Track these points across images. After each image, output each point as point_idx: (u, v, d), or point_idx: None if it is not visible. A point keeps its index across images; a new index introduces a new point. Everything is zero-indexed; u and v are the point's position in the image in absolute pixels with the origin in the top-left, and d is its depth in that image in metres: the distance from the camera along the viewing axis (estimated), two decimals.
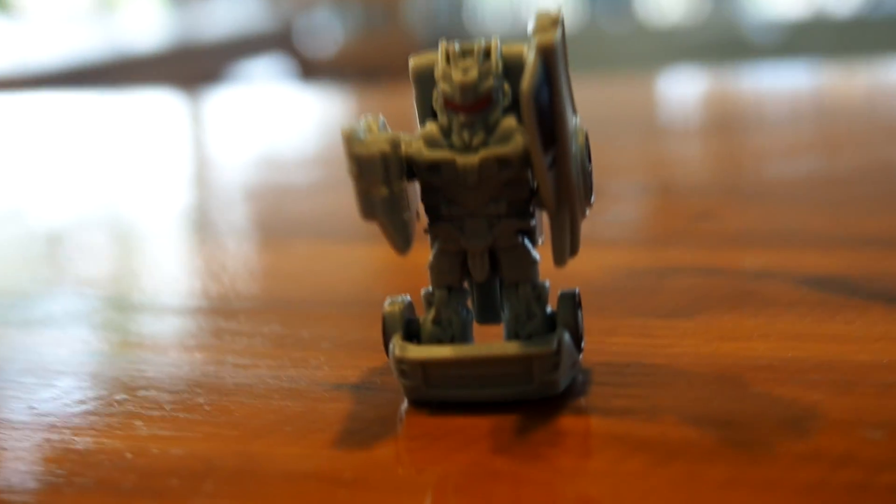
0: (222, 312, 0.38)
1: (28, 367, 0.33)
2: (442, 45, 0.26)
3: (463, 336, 0.27)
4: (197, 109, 1.08)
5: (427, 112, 0.27)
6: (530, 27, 0.24)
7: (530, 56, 0.24)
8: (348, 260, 0.45)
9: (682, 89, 0.94)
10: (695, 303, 0.34)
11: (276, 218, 0.55)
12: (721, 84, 0.93)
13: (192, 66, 2.25)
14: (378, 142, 0.25)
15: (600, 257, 0.39)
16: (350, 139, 0.25)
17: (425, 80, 0.26)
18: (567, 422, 0.25)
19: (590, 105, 0.46)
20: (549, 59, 0.24)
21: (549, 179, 0.24)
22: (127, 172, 0.72)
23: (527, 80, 0.23)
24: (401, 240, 0.26)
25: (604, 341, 0.30)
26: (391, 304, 0.27)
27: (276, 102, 1.03)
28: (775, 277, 0.36)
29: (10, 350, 0.36)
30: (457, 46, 0.26)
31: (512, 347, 0.26)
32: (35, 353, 0.35)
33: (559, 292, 0.27)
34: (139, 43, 2.29)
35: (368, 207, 0.25)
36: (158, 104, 1.03)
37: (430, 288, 0.27)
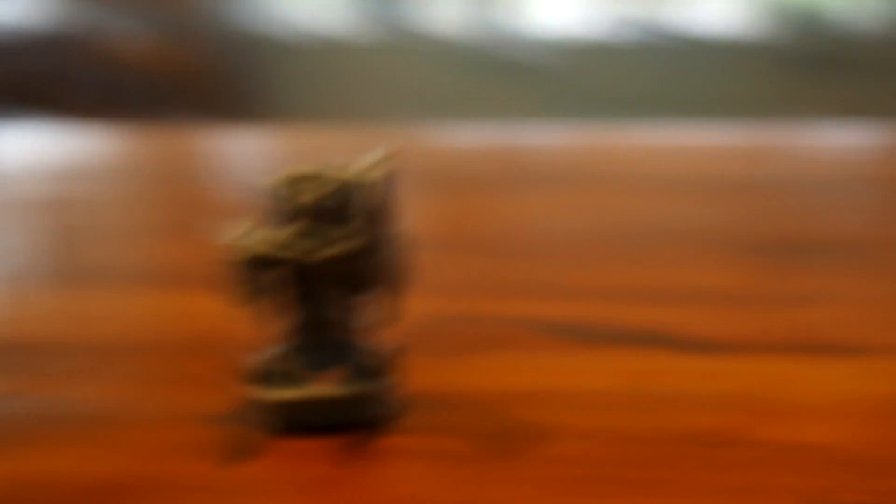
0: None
1: None
2: (287, 173, 0.33)
3: (308, 382, 0.33)
4: None
5: (278, 218, 0.33)
6: (365, 163, 0.32)
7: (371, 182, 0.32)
8: (167, 306, 0.48)
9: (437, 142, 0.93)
10: (469, 346, 0.41)
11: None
12: (487, 138, 0.94)
13: None
14: (256, 243, 0.33)
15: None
16: (233, 241, 0.33)
17: (278, 193, 0.33)
18: (389, 442, 0.32)
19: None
20: (388, 182, 0.32)
21: (381, 269, 0.33)
22: None
23: (364, 200, 0.32)
24: (264, 319, 0.34)
25: (415, 376, 0.37)
26: (256, 358, 0.34)
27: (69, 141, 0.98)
28: (524, 324, 0.43)
29: None
30: (299, 173, 0.33)
31: (345, 390, 0.33)
32: None
33: (380, 348, 0.34)
34: None
35: (246, 297, 0.33)
36: None
37: (284, 347, 0.34)
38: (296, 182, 0.33)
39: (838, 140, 0.86)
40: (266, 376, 0.34)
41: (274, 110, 2.74)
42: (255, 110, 2.73)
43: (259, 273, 0.32)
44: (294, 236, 0.33)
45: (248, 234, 0.33)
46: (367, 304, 0.34)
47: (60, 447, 0.33)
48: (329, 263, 0.33)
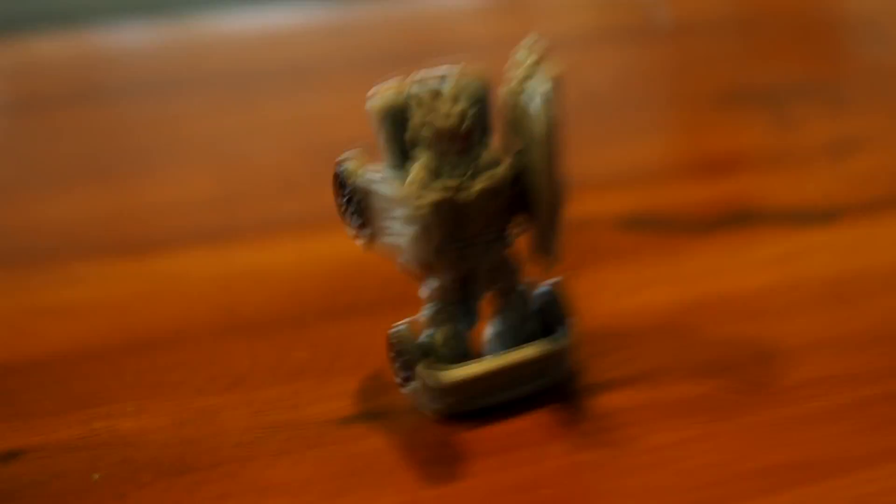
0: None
1: None
2: (412, 84, 0.24)
3: (466, 348, 0.26)
4: None
5: (398, 152, 0.24)
6: (521, 56, 0.24)
7: (540, 87, 0.23)
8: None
9: None
10: (576, 262, 0.31)
11: None
12: None
13: None
14: (424, 192, 0.23)
15: None
16: (410, 195, 0.23)
17: (394, 119, 0.24)
18: (595, 404, 0.26)
19: None
20: (557, 90, 0.23)
21: (549, 190, 0.24)
22: None
23: (546, 114, 0.23)
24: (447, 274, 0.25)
25: None
26: (398, 335, 0.26)
27: None
28: (598, 224, 0.36)
29: None
30: (429, 81, 0.24)
31: (529, 351, 0.26)
32: None
33: (539, 290, 0.27)
34: None
35: (428, 251, 0.24)
36: None
37: (430, 311, 0.26)
38: (428, 93, 0.24)
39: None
40: (423, 351, 0.26)
41: None
42: None
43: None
44: (427, 171, 0.24)
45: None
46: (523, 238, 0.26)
47: None
48: (485, 197, 0.24)
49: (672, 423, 0.24)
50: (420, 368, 0.25)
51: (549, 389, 0.26)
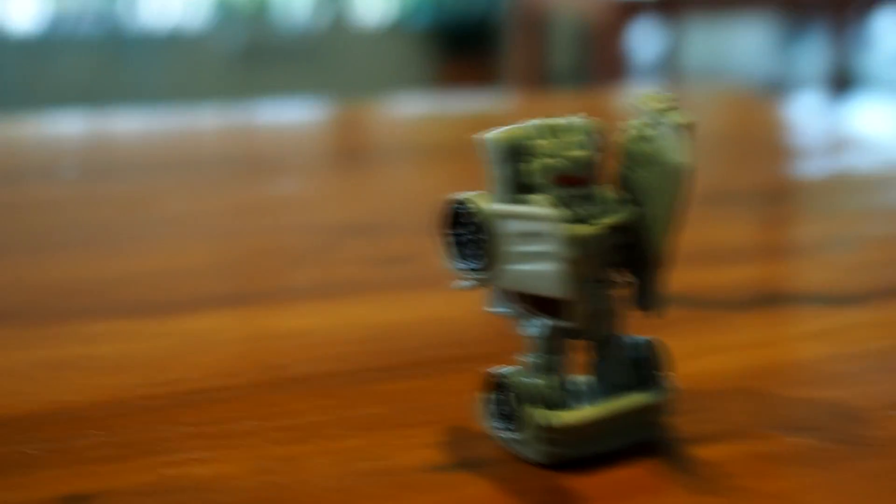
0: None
1: None
2: (537, 122, 0.24)
3: (566, 397, 0.25)
4: None
5: (514, 187, 0.24)
6: (649, 107, 0.23)
7: (674, 134, 0.23)
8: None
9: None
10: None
11: None
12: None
13: None
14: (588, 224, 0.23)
15: None
16: (564, 224, 0.22)
17: (513, 155, 0.24)
18: (700, 454, 0.25)
19: None
20: (691, 135, 0.23)
21: (665, 239, 0.24)
22: None
23: (684, 157, 0.23)
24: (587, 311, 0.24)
25: None
26: (513, 375, 0.24)
27: None
28: None
29: None
30: (556, 122, 0.24)
31: (643, 399, 0.25)
32: None
33: (635, 340, 0.26)
34: None
35: (577, 287, 0.23)
36: None
37: (542, 354, 0.24)
38: (546, 136, 0.23)
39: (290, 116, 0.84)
40: (537, 397, 0.24)
41: None
42: None
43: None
44: (563, 205, 0.23)
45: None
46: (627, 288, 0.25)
47: None
48: (600, 240, 0.24)
49: (781, 472, 0.24)
50: (533, 412, 0.24)
51: (647, 441, 0.25)
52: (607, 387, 0.25)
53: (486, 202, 0.23)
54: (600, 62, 1.73)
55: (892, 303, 0.35)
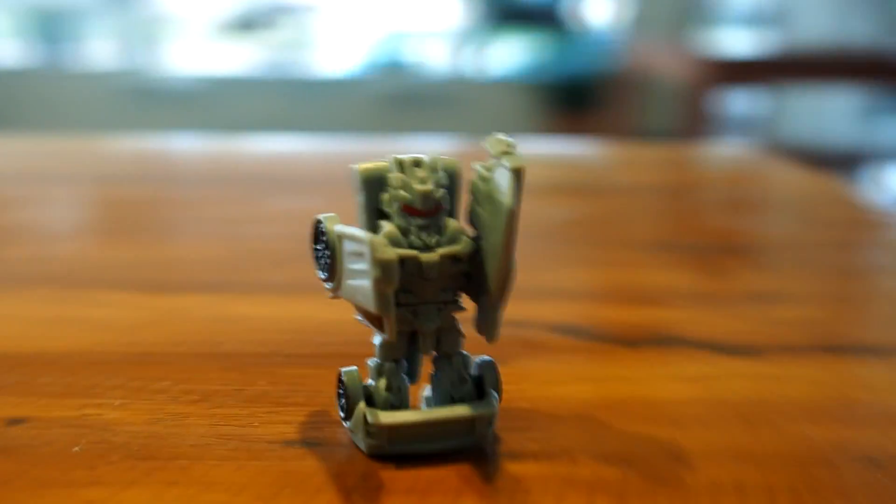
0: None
1: None
2: (392, 157, 0.24)
3: (405, 400, 0.25)
4: None
5: (373, 213, 0.24)
6: (491, 149, 0.23)
7: (506, 176, 0.22)
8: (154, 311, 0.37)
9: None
10: (512, 352, 0.31)
11: None
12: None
13: None
14: (388, 247, 0.22)
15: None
16: (376, 247, 0.21)
17: (373, 185, 0.24)
18: (512, 468, 0.24)
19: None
20: (521, 179, 0.22)
21: (503, 273, 0.23)
22: None
23: (510, 198, 0.22)
24: (394, 329, 0.23)
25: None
26: (349, 374, 0.24)
27: None
28: (536, 327, 0.34)
29: None
30: (408, 158, 0.23)
31: (464, 410, 0.24)
32: None
33: (478, 360, 0.25)
34: None
35: (385, 304, 0.22)
36: None
37: (378, 360, 0.25)
38: (405, 171, 0.23)
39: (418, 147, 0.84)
40: (371, 395, 0.24)
41: None
42: None
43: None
44: (397, 234, 0.23)
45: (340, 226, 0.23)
46: (472, 311, 0.25)
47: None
48: (444, 263, 0.23)
49: (576, 497, 0.23)
50: (358, 408, 0.24)
51: (471, 449, 0.24)
52: (443, 397, 0.25)
53: (333, 223, 0.24)
54: (692, 120, 1.69)
55: (786, 359, 0.32)
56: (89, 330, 0.33)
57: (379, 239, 0.22)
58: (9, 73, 2.59)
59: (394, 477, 0.23)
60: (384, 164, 0.24)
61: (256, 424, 0.26)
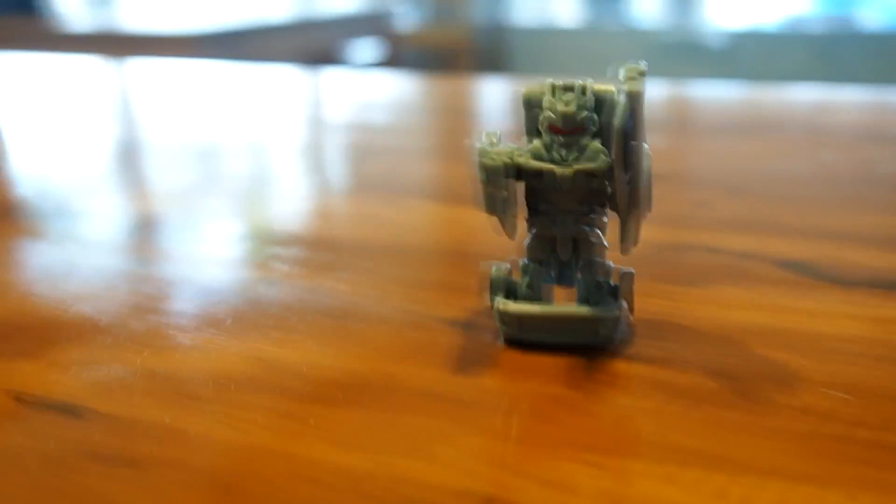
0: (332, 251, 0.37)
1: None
2: (549, 81, 0.25)
3: (547, 297, 0.27)
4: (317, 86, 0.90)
5: (533, 129, 0.26)
6: (621, 75, 0.24)
7: (622, 99, 0.23)
8: (437, 217, 0.42)
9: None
10: (703, 276, 0.32)
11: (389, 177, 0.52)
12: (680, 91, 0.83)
13: (308, 42, 2.21)
14: (502, 155, 0.25)
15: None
16: (482, 153, 0.25)
17: (534, 105, 0.26)
18: (621, 367, 0.25)
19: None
20: (636, 103, 0.23)
21: (625, 191, 0.25)
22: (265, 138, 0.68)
23: (619, 119, 0.23)
24: (510, 229, 0.26)
25: (643, 301, 0.29)
26: (497, 269, 0.28)
27: (376, 83, 0.90)
28: (758, 259, 0.34)
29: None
30: (560, 83, 0.25)
31: (585, 310, 0.26)
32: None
33: (619, 270, 0.27)
34: (270, 16, 2.21)
35: (492, 205, 0.25)
36: (286, 77, 0.93)
37: (526, 260, 0.27)
38: (553, 93, 0.25)
39: None
40: (507, 288, 0.27)
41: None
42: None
43: (507, 182, 0.25)
44: (541, 148, 0.25)
45: (499, 144, 0.26)
46: (608, 225, 0.27)
47: (304, 335, 0.28)
48: (579, 177, 0.25)
49: (657, 397, 0.24)
50: (497, 298, 0.27)
51: (595, 348, 0.26)
52: (580, 297, 0.27)
53: (491, 138, 0.26)
54: None
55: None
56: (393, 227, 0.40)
57: (486, 148, 0.25)
58: (560, 32, 2.98)
59: (510, 358, 0.26)
60: (537, 87, 0.26)
61: (432, 306, 0.30)
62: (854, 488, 0.20)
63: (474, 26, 2.92)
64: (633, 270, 0.27)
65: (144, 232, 0.41)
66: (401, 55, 2.59)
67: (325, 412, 0.24)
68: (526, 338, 0.27)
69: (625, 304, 0.27)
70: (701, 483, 0.20)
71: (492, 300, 0.28)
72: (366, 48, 2.41)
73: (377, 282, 0.33)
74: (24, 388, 0.25)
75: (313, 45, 2.18)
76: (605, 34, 2.83)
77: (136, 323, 0.29)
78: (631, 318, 0.28)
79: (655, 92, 0.78)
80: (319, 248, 0.37)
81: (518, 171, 0.26)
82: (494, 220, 0.26)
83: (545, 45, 3.00)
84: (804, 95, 0.79)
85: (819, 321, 0.28)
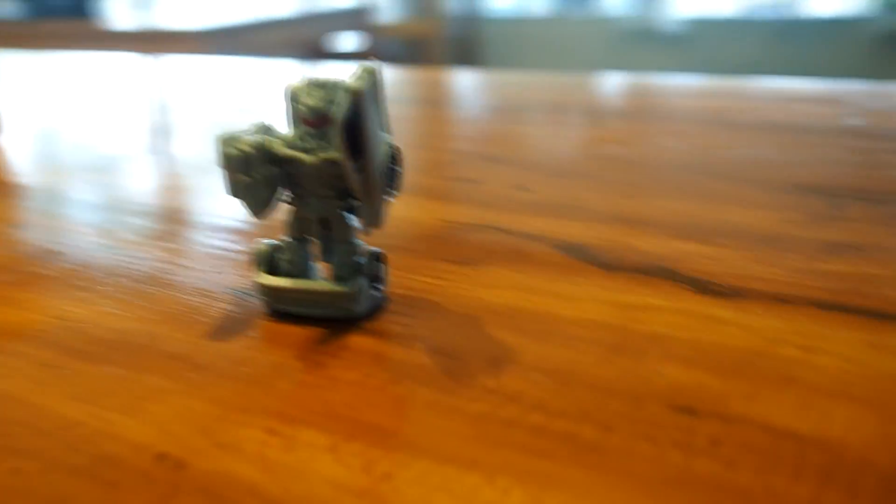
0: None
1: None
2: (306, 78, 0.26)
3: (304, 271, 0.28)
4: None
5: (296, 120, 0.27)
6: (350, 74, 0.25)
7: (344, 96, 0.24)
8: None
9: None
10: (482, 256, 0.33)
11: None
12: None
13: (298, 34, 2.36)
14: (242, 145, 0.26)
15: (437, 209, 0.38)
16: (225, 142, 0.26)
17: (294, 99, 0.27)
18: (353, 340, 0.26)
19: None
20: (357, 99, 0.24)
21: (356, 178, 0.25)
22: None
23: (338, 113, 0.24)
24: (255, 211, 0.27)
25: (407, 277, 0.30)
26: (259, 245, 0.29)
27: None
28: (542, 241, 0.34)
29: None
30: (315, 81, 0.26)
31: (327, 285, 0.27)
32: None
33: (370, 250, 0.28)
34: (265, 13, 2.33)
35: (234, 190, 0.26)
36: (285, 70, 0.94)
37: (288, 238, 0.28)
38: (305, 89, 0.26)
39: None
40: (269, 263, 0.28)
41: (484, 66, 3.21)
42: (472, 65, 3.21)
43: (257, 167, 0.26)
44: (296, 138, 0.27)
45: (255, 132, 0.27)
46: (358, 208, 0.27)
47: (105, 297, 0.30)
48: (316, 166, 0.26)
49: (366, 370, 0.24)
50: (256, 270, 0.28)
51: (343, 320, 0.27)
52: (331, 274, 0.28)
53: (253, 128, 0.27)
54: None
55: (745, 306, 0.27)
56: None
57: (230, 137, 0.26)
58: (532, 21, 3.08)
59: (266, 328, 0.27)
60: (299, 83, 0.27)
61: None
62: (499, 473, 0.20)
63: (448, 16, 3.03)
64: (379, 250, 0.28)
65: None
66: (379, 46, 2.69)
67: (80, 366, 0.25)
68: (283, 309, 0.28)
69: (365, 282, 0.28)
70: (356, 456, 0.21)
71: (255, 274, 0.29)
72: (348, 40, 2.54)
73: (197, 253, 0.34)
74: None
75: (302, 37, 2.35)
76: (575, 22, 2.94)
77: None
78: (380, 294, 0.29)
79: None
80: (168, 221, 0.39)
81: (274, 158, 0.27)
82: (245, 203, 0.27)
83: (518, 33, 3.10)
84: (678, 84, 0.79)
85: (564, 304, 0.28)
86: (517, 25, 3.12)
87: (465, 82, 0.82)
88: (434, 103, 0.68)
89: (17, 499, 0.19)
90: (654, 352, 0.25)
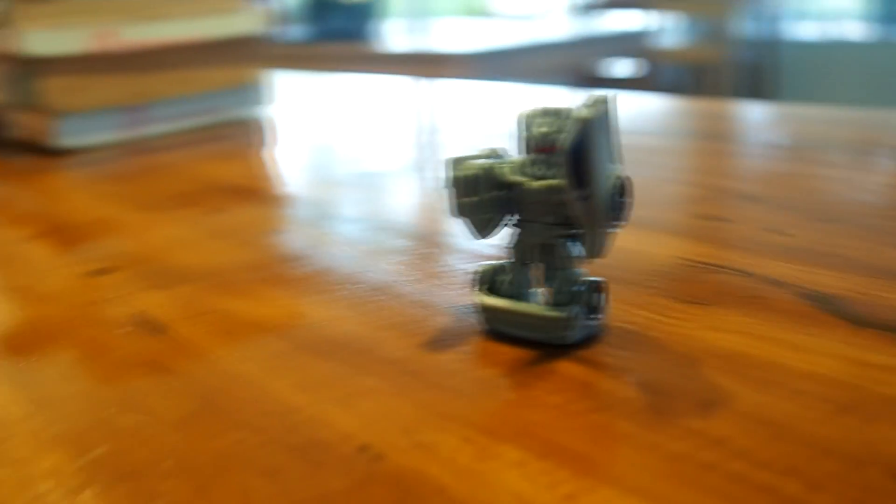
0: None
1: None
2: (537, 106, 0.27)
3: (523, 294, 0.29)
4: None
5: (523, 146, 0.28)
6: (581, 102, 0.25)
7: (572, 124, 0.24)
8: None
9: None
10: (713, 295, 0.31)
11: None
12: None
13: (569, 60, 2.39)
14: (471, 168, 0.27)
15: (674, 246, 0.37)
16: (455, 165, 0.28)
17: (525, 126, 0.27)
18: (561, 365, 0.26)
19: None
20: (584, 128, 0.24)
21: (579, 207, 0.25)
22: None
23: (567, 141, 0.24)
24: (476, 232, 0.28)
25: (629, 311, 0.30)
26: (483, 266, 0.30)
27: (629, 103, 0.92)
28: (784, 287, 0.32)
29: None
30: (547, 109, 0.27)
31: (540, 310, 0.27)
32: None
33: (590, 279, 0.28)
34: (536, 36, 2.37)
35: (457, 209, 0.28)
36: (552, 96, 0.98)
37: (510, 261, 0.29)
38: (537, 116, 0.27)
39: None
40: (491, 284, 0.29)
41: (779, 96, 3.02)
42: (764, 95, 3.02)
43: (482, 190, 0.27)
44: (524, 164, 0.27)
45: (484, 157, 0.28)
46: (581, 236, 0.27)
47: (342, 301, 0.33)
48: (541, 193, 0.27)
49: (566, 396, 0.24)
50: (476, 290, 0.29)
51: (555, 345, 0.27)
52: (550, 299, 0.28)
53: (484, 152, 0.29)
54: None
55: None
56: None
57: (460, 160, 0.27)
58: (840, 45, 2.87)
59: (475, 342, 0.28)
60: (531, 111, 0.27)
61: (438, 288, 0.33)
62: None
63: (739, 41, 2.83)
64: (600, 280, 0.28)
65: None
66: (658, 72, 2.60)
67: (308, 360, 0.28)
68: (498, 329, 0.28)
69: (579, 310, 0.27)
70: (543, 474, 0.21)
71: (475, 292, 0.30)
72: (623, 66, 2.49)
73: (429, 268, 0.36)
74: None
75: (575, 62, 2.33)
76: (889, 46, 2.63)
77: None
78: (596, 323, 0.28)
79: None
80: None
81: (500, 182, 0.28)
82: (468, 223, 0.28)
83: (825, 60, 2.84)
84: None
85: (795, 355, 0.26)
86: (825, 51, 2.87)
87: (752, 115, 0.76)
88: (710, 136, 0.65)
89: (239, 464, 0.22)
90: (888, 416, 0.22)
